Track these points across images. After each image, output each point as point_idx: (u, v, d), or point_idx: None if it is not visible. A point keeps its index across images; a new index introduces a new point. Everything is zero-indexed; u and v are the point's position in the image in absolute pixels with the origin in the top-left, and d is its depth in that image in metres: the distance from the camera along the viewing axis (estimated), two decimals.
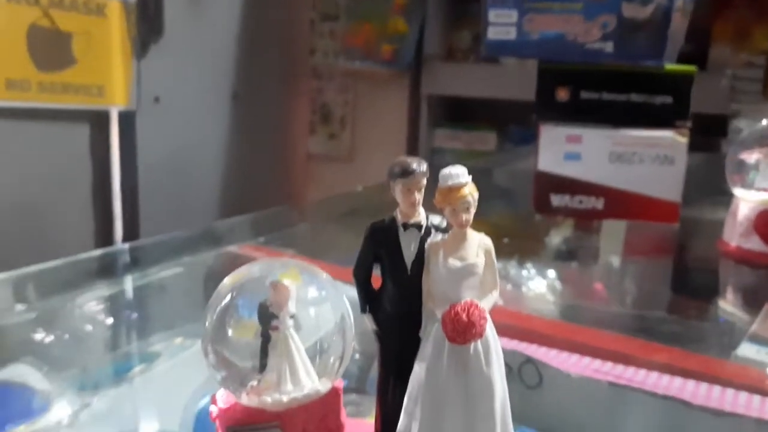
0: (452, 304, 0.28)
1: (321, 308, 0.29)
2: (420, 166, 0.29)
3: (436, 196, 0.29)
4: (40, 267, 0.61)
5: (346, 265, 0.31)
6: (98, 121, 1.34)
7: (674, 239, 0.85)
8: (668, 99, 0.83)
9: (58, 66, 1.24)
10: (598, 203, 0.84)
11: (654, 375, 0.45)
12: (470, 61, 1.82)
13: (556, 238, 0.86)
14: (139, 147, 1.39)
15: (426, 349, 0.29)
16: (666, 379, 0.45)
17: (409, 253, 0.29)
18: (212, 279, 0.63)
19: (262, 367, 0.30)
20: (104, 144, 1.35)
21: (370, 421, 0.33)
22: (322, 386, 0.30)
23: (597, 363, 0.47)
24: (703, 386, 0.44)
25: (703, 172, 0.97)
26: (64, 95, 1.27)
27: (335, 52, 1.90)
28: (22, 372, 0.47)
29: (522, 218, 0.92)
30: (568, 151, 0.84)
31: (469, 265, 0.29)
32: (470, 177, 0.29)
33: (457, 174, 0.28)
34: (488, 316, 0.29)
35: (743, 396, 0.43)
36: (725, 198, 0.75)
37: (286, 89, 1.88)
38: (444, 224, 0.30)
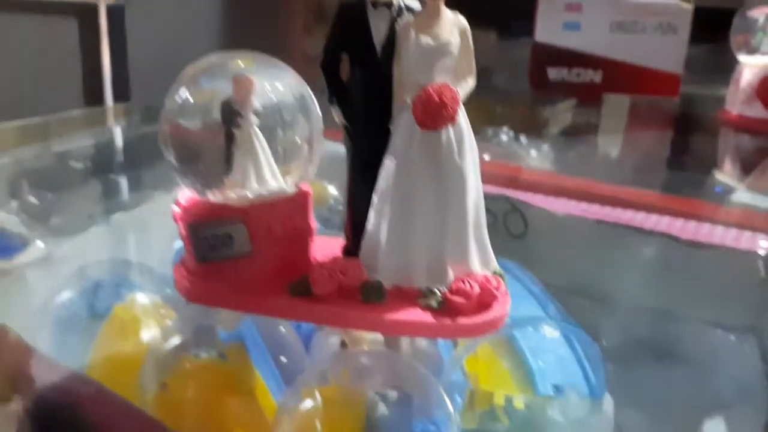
0: (423, 87, 0.26)
1: (278, 82, 0.28)
2: None
3: None
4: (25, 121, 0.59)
5: None
6: (86, 14, 1.30)
7: (675, 112, 0.83)
8: None
9: None
10: (597, 76, 0.81)
11: (642, 214, 0.44)
12: None
13: (553, 115, 0.84)
14: (129, 42, 1.35)
15: (396, 140, 0.28)
16: (654, 217, 0.44)
17: (378, 35, 0.27)
18: None
19: (227, 168, 0.29)
20: (94, 38, 1.32)
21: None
22: (290, 182, 0.29)
23: (584, 205, 0.46)
24: (692, 224, 0.43)
25: (707, 63, 0.94)
26: None
27: None
28: None
29: (519, 97, 0.89)
30: (567, 20, 0.80)
31: (443, 43, 0.27)
32: None
33: None
34: (461, 104, 0.27)
35: (733, 231, 0.42)
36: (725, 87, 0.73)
37: None
38: (417, 6, 0.28)
